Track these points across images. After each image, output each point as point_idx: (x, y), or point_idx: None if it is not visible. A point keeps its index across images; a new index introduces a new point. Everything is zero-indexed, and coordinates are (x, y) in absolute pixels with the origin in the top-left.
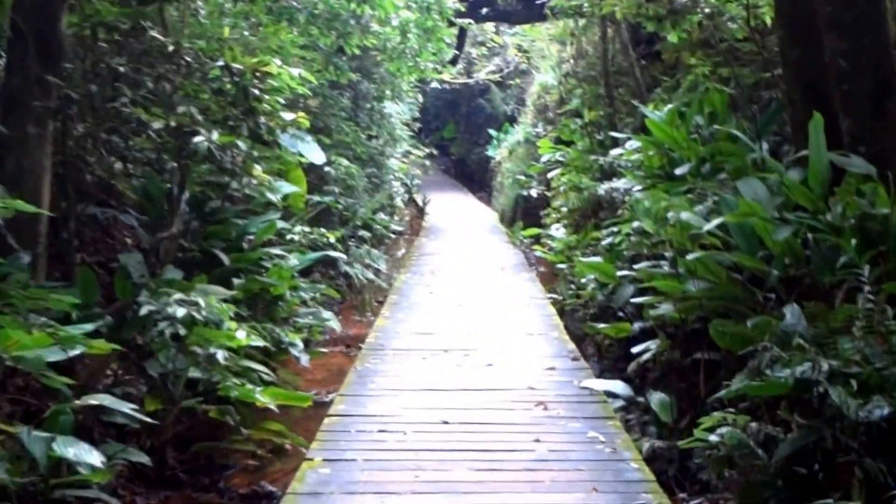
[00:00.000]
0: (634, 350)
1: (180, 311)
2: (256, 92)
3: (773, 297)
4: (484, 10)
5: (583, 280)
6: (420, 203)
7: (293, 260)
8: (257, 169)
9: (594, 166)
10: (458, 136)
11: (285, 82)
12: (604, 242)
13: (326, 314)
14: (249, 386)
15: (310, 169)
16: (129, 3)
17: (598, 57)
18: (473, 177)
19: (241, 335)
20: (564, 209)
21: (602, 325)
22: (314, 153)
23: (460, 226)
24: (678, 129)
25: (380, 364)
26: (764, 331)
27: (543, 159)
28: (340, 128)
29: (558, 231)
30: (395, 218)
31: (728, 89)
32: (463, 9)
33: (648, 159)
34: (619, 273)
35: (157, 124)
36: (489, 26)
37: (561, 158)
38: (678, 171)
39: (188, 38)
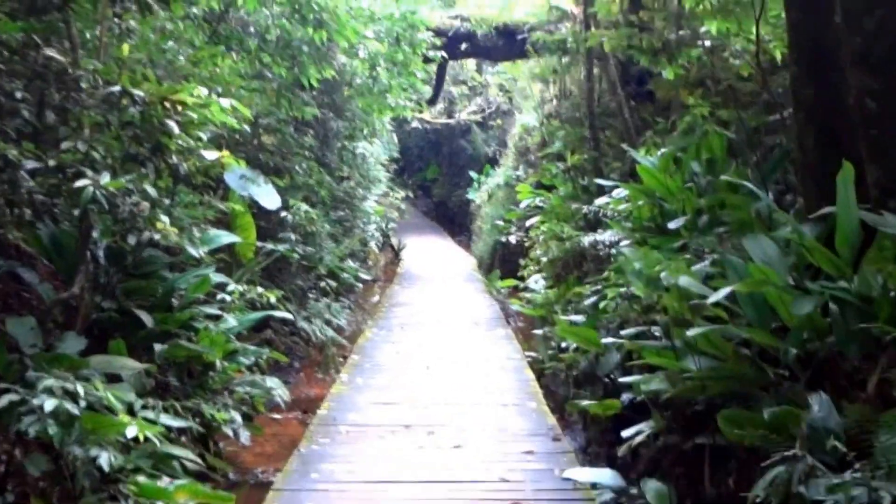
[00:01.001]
0: (625, 434)
1: (49, 404)
2: (173, 125)
3: (787, 374)
4: (463, 46)
5: (563, 344)
6: (398, 245)
7: (231, 321)
8: (163, 221)
9: (577, 214)
10: (440, 177)
11: (212, 115)
12: (587, 302)
13: (272, 382)
14: (163, 482)
15: (265, 214)
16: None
17: (582, 97)
18: (454, 219)
19: (132, 431)
20: (544, 259)
21: (587, 402)
22: (267, 197)
23: (436, 272)
24: (672, 176)
25: (329, 445)
26: (785, 423)
27: (523, 205)
28: (302, 169)
29: (537, 283)
30: (370, 262)
31: (729, 133)
32: (440, 43)
33: (638, 210)
34: (605, 341)
35: (31, 163)
36: (470, 64)
37: (541, 204)
38: (671, 225)
39: (89, 56)
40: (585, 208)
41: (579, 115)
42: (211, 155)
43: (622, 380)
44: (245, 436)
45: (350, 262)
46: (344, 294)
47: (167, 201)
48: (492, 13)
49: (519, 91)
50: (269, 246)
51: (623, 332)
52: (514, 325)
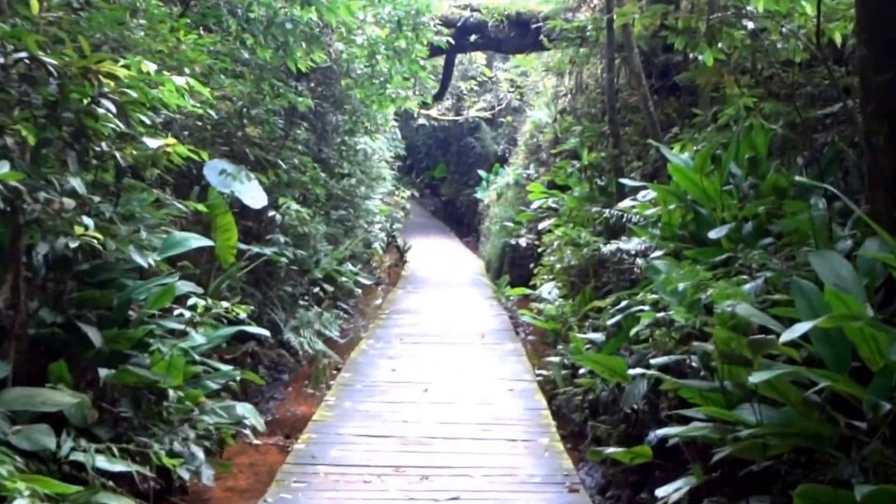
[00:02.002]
0: (660, 493)
1: None
2: (109, 104)
3: (866, 429)
4: (472, 38)
5: (581, 370)
6: (401, 248)
7: (197, 338)
8: (84, 223)
9: (596, 218)
10: (448, 176)
11: (164, 96)
12: (611, 321)
13: (243, 409)
14: None
15: (252, 214)
16: None
17: (599, 91)
18: (462, 219)
19: None
20: (558, 266)
21: (611, 451)
22: (252, 194)
23: (442, 276)
24: (708, 177)
25: (303, 492)
26: None
27: (534, 205)
28: (294, 164)
29: (550, 293)
30: (374, 264)
31: (777, 127)
32: (447, 31)
33: (668, 215)
34: (633, 372)
35: None
36: (480, 58)
37: (554, 206)
38: (713, 235)
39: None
40: (607, 212)
41: (596, 111)
42: (154, 142)
43: (661, 432)
44: (208, 475)
45: (349, 266)
46: (343, 299)
47: (101, 199)
48: (503, 2)
49: (530, 86)
50: (255, 249)
51: (654, 362)
52: (523, 336)
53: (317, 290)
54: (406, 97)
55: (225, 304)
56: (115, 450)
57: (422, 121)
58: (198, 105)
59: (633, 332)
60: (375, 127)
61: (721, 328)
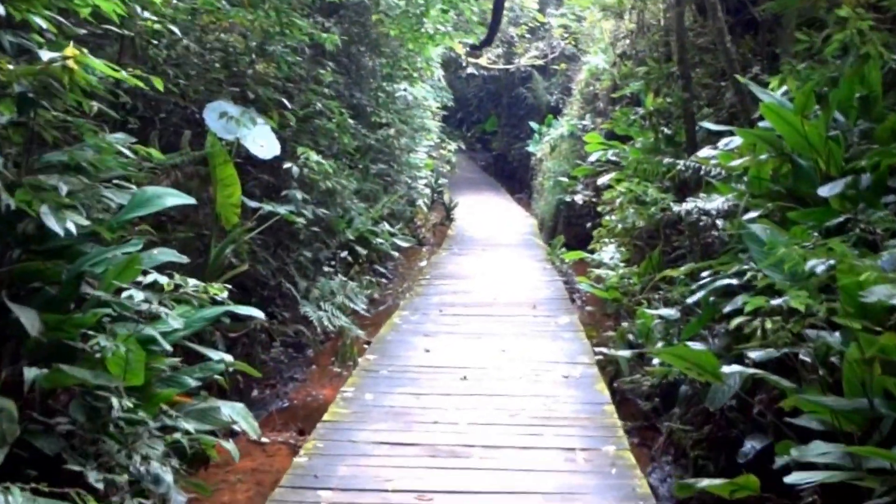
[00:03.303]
0: None
1: None
2: None
3: None
4: None
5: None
6: (447, 205)
7: (173, 321)
8: None
9: (670, 170)
10: (499, 129)
11: None
12: (691, 299)
13: (231, 410)
14: None
15: (268, 165)
16: None
17: (662, 32)
18: (514, 175)
19: None
20: (620, 227)
21: (705, 483)
22: (260, 141)
23: (491, 235)
24: (811, 120)
25: None
26: None
27: (592, 158)
28: (317, 109)
29: (612, 257)
30: (418, 223)
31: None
32: None
33: (758, 167)
34: (727, 370)
35: None
36: (530, 2)
37: (614, 158)
38: (825, 192)
39: None
40: (680, 163)
41: (659, 54)
42: (47, 55)
43: (791, 480)
44: (179, 502)
45: (386, 226)
46: (380, 262)
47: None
48: None
49: (586, 32)
50: (267, 207)
51: (753, 355)
52: (579, 304)
53: (345, 253)
54: (446, 33)
55: (194, 281)
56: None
57: (471, 70)
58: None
59: (734, 323)
60: (417, 72)
61: (851, 317)
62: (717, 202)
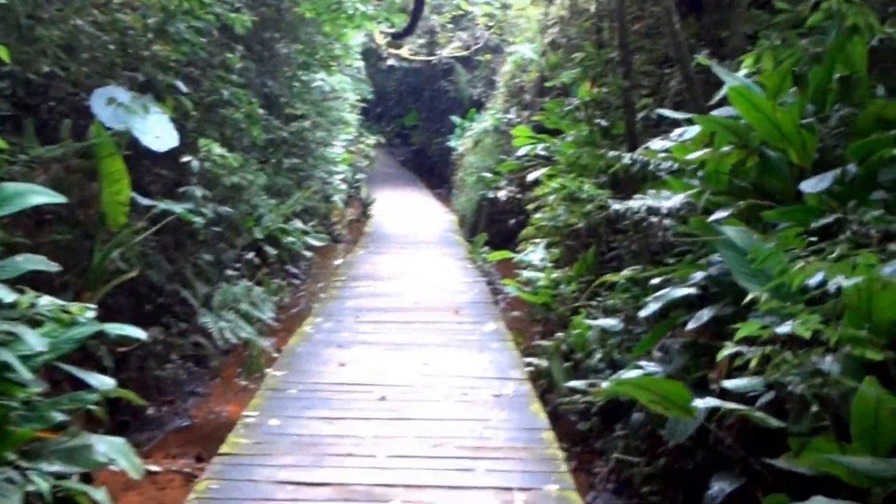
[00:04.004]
0: None
1: None
2: None
3: None
4: None
5: (593, 358)
6: (365, 199)
7: (35, 342)
8: None
9: (610, 165)
10: (420, 123)
11: None
12: (645, 312)
13: (106, 446)
14: None
15: (166, 159)
16: None
17: (595, 18)
18: (433, 170)
19: None
20: (550, 225)
21: None
22: (154, 132)
23: (409, 232)
24: (784, 106)
25: None
26: None
27: (520, 153)
28: (222, 97)
29: (542, 259)
30: (334, 219)
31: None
32: None
33: (718, 160)
34: (701, 405)
35: None
36: None
37: (544, 153)
38: (808, 187)
39: None
40: (627, 157)
41: (592, 42)
42: None
43: None
44: None
45: (299, 223)
46: (292, 262)
47: None
48: None
49: (512, 21)
50: (161, 205)
51: (728, 385)
52: (503, 306)
53: (252, 255)
54: (365, 14)
55: (47, 299)
56: None
57: (392, 62)
58: None
59: (721, 356)
60: (335, 61)
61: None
62: (673, 200)
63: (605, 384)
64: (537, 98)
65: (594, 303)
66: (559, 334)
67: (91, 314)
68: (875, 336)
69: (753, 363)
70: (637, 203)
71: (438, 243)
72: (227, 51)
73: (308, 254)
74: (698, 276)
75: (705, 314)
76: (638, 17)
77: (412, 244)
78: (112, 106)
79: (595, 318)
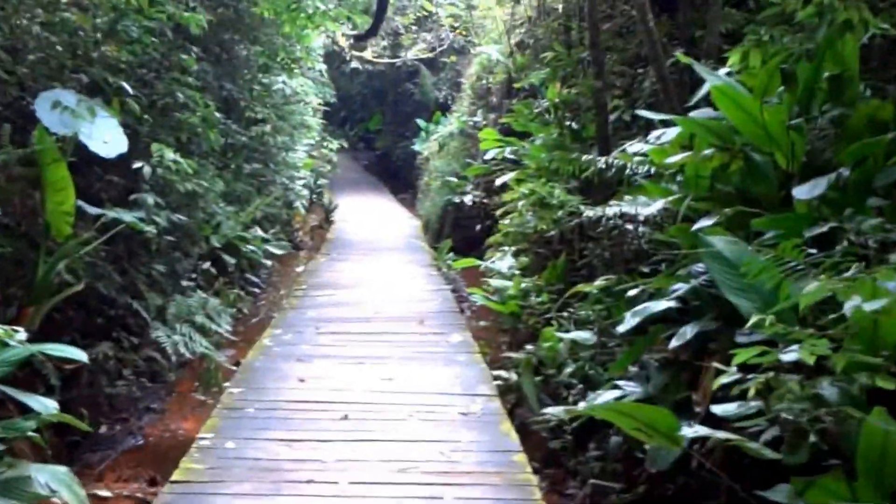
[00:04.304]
0: None
1: None
2: None
3: None
4: None
5: (566, 372)
6: (328, 205)
7: None
8: None
9: (583, 169)
10: (384, 127)
11: None
12: (623, 327)
13: (48, 476)
14: None
15: (116, 165)
16: None
17: (564, 18)
18: (398, 174)
19: None
20: (518, 232)
21: None
22: (103, 137)
23: (373, 238)
24: (770, 106)
25: None
26: None
27: (487, 157)
28: (177, 100)
29: (510, 266)
30: (296, 225)
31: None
32: None
33: (699, 164)
34: (688, 433)
35: None
36: None
37: (512, 157)
38: (801, 193)
39: None
40: (601, 160)
41: (561, 42)
42: None
43: None
44: None
45: (259, 230)
46: (251, 271)
47: None
48: None
49: (477, 22)
50: (111, 214)
51: (719, 410)
52: (469, 314)
53: (208, 265)
54: (325, 12)
55: None
56: None
57: (355, 65)
58: None
59: (717, 384)
60: (296, 64)
61: None
62: (652, 207)
63: (581, 405)
64: (504, 100)
65: (565, 314)
66: (529, 347)
67: (21, 336)
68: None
69: (752, 392)
70: (612, 210)
71: (402, 249)
72: (182, 52)
73: (268, 262)
74: (679, 288)
75: (689, 331)
76: (608, 17)
77: (375, 251)
78: (57, 110)
79: (566, 331)
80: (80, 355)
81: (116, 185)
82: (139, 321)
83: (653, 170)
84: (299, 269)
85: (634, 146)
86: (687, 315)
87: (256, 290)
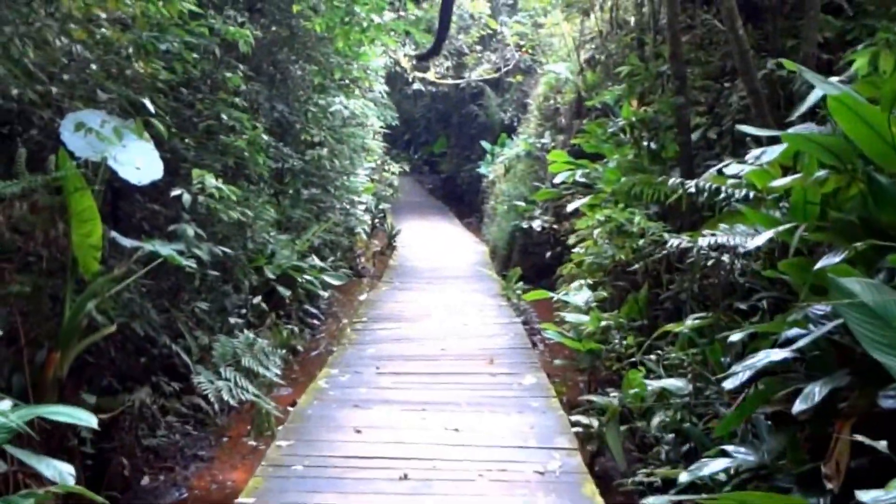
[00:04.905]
0: None
1: None
2: None
3: None
4: None
5: (655, 422)
6: (389, 231)
7: None
8: None
9: (670, 193)
10: (449, 150)
11: None
12: (732, 383)
13: None
14: None
15: (153, 190)
16: None
17: (638, 31)
18: (463, 198)
19: None
20: (593, 262)
21: None
22: (136, 163)
23: (438, 266)
24: None
25: None
26: None
27: (557, 180)
28: (222, 122)
29: (586, 300)
30: (358, 251)
31: None
32: None
33: (809, 188)
34: None
35: None
36: (482, 7)
37: (582, 180)
38: None
39: None
40: (691, 184)
41: (638, 55)
42: None
43: None
44: None
45: (315, 259)
46: (309, 301)
47: None
48: None
49: (544, 41)
50: (147, 246)
51: (868, 499)
52: (541, 349)
53: (258, 299)
54: (379, 25)
55: None
56: None
57: (418, 86)
58: None
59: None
60: (354, 83)
61: None
62: (759, 238)
63: (684, 476)
64: (574, 120)
65: (653, 357)
66: (613, 393)
67: (6, 404)
68: None
69: None
70: (706, 240)
71: (468, 277)
72: (225, 69)
73: (328, 291)
74: (797, 335)
75: (817, 392)
76: (688, 27)
77: (440, 279)
78: (81, 132)
79: (654, 374)
80: (89, 420)
81: (160, 214)
82: (184, 362)
83: (751, 194)
84: (362, 296)
85: (731, 167)
86: (802, 364)
87: (315, 321)
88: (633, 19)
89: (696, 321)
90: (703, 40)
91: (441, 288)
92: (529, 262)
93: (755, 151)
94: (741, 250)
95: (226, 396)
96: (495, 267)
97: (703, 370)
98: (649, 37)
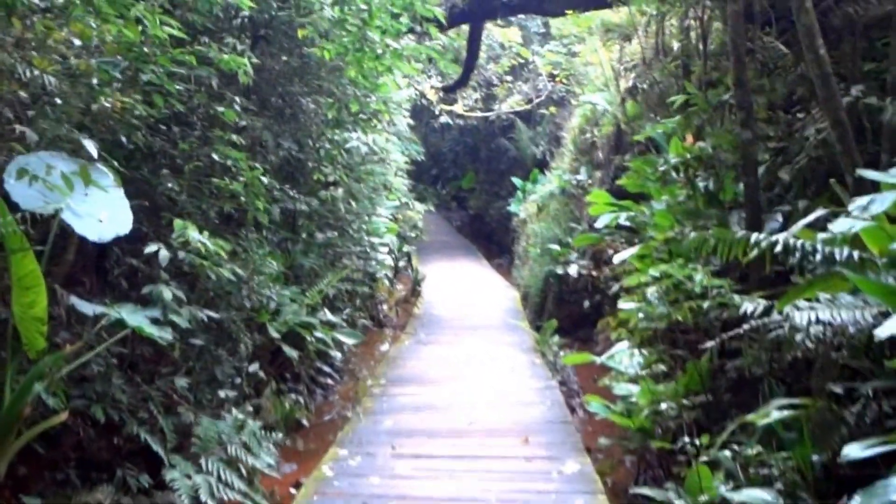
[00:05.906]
0: None
1: None
2: None
3: None
4: None
5: None
6: (415, 276)
7: None
8: None
9: (748, 247)
10: (477, 185)
11: None
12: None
13: None
14: None
15: (129, 243)
16: None
17: (684, 57)
18: (492, 237)
19: None
20: (643, 321)
21: None
22: (98, 216)
23: (465, 315)
24: None
25: None
26: None
27: (600, 223)
28: (212, 161)
29: (635, 366)
30: (380, 297)
31: None
32: None
33: None
34: None
35: None
36: (513, 35)
37: (627, 224)
38: None
39: None
40: (777, 239)
41: (680, 86)
42: None
43: None
44: None
45: (328, 313)
46: (320, 359)
47: None
48: None
49: (579, 71)
50: (113, 314)
51: None
52: (581, 416)
53: (255, 367)
54: (395, 51)
55: None
56: None
57: (445, 119)
58: None
59: None
60: (374, 117)
61: None
62: (890, 325)
63: None
64: (612, 155)
65: (728, 453)
66: (669, 485)
67: None
68: None
69: None
70: (802, 315)
71: (499, 328)
72: (217, 102)
73: (338, 354)
74: None
75: None
76: (748, 52)
77: (468, 328)
78: (24, 180)
79: (725, 470)
80: None
81: (138, 271)
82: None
83: (855, 253)
84: (383, 347)
85: (840, 223)
86: None
87: (329, 380)
88: (676, 44)
89: (782, 411)
90: (764, 66)
91: (469, 342)
92: (565, 311)
93: (860, 200)
94: (852, 330)
95: (204, 497)
96: (528, 315)
97: (796, 477)
98: (697, 63)
